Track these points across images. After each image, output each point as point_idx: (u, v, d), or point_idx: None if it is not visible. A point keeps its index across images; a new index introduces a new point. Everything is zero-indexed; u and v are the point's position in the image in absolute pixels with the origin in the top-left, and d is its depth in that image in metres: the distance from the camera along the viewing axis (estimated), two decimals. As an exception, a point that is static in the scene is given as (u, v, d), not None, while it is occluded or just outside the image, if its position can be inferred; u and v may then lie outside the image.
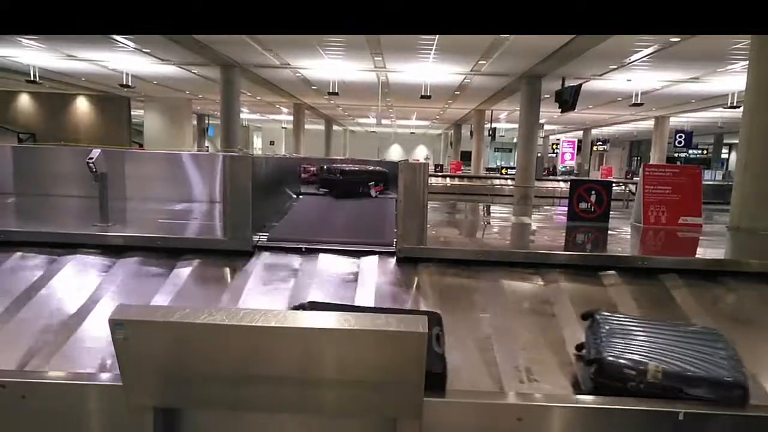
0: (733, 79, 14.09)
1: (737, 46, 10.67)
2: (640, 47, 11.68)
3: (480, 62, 13.97)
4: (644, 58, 12.59)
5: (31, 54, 15.13)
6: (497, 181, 21.00)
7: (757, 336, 2.49)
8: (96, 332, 2.28)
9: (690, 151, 30.09)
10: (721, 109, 19.55)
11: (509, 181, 19.94)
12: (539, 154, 23.72)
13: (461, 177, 22.54)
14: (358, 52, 13.27)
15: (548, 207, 11.53)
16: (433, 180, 20.47)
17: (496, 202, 15.70)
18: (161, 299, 2.57)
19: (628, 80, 15.71)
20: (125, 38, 12.79)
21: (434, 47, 12.38)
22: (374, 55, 13.59)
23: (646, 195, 4.30)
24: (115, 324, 1.58)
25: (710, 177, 26.23)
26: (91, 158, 3.21)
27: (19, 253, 2.89)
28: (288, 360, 1.66)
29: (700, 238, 4.04)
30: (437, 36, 11.25)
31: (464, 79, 16.82)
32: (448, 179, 21.71)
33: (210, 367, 1.68)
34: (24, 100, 23.24)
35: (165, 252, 2.95)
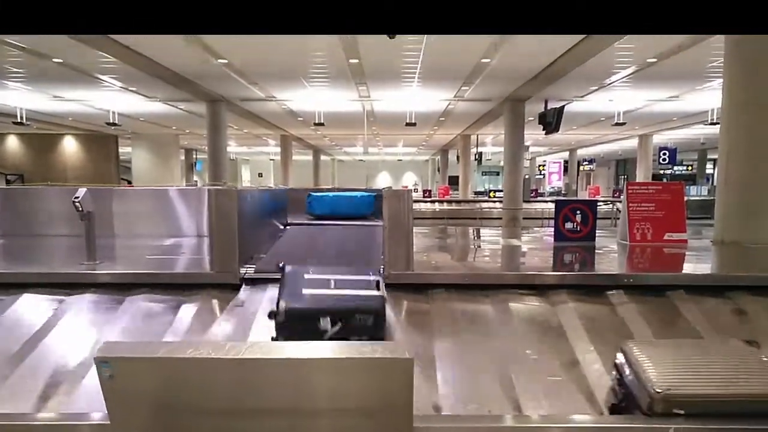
0: (711, 96, 14.34)
1: (713, 63, 10.91)
2: (618, 68, 11.89)
3: (463, 88, 14.15)
4: (624, 79, 12.81)
5: (18, 96, 15.17)
6: (485, 205, 21.11)
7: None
8: (84, 371, 2.26)
9: (675, 168, 30.42)
10: (702, 125, 19.86)
11: (497, 204, 20.05)
12: (526, 176, 23.93)
13: (450, 201, 22.65)
14: (342, 81, 13.41)
15: (537, 228, 11.60)
16: (422, 205, 20.56)
17: (485, 225, 15.78)
18: (151, 335, 2.56)
19: (609, 100, 15.96)
20: (111, 77, 12.86)
21: (417, 74, 12.54)
22: (358, 84, 13.74)
23: (630, 213, 4.36)
24: (100, 362, 1.58)
25: (696, 192, 26.48)
26: (77, 197, 3.22)
27: (3, 296, 2.88)
28: (275, 391, 1.66)
29: (686, 253, 4.09)
30: (420, 63, 11.41)
31: (448, 105, 17.01)
32: (436, 204, 21.80)
33: (198, 401, 1.68)
34: (11, 142, 23.26)
35: (153, 288, 2.95)
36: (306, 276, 2.42)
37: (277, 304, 2.27)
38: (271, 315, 2.27)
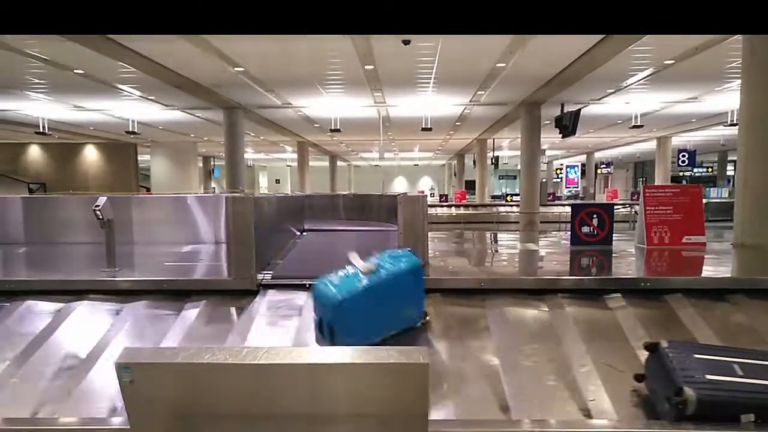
0: (730, 97, 14.15)
1: (732, 64, 10.78)
2: (635, 70, 11.79)
3: (479, 92, 14.13)
4: (641, 81, 12.70)
5: (40, 106, 15.46)
6: (502, 209, 21.06)
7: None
8: (106, 376, 2.30)
9: (695, 170, 30.06)
10: (722, 127, 19.61)
11: (514, 208, 19.97)
12: (543, 180, 23.80)
13: (466, 206, 22.62)
14: (358, 88, 13.47)
15: (554, 232, 11.52)
16: (438, 210, 20.55)
17: (502, 230, 15.70)
18: (170, 341, 2.60)
19: (626, 103, 15.82)
20: (130, 87, 13.05)
21: (432, 79, 12.55)
22: (374, 90, 13.78)
23: (647, 216, 4.32)
24: (121, 367, 1.61)
25: (717, 194, 26.13)
26: (98, 205, 3.28)
27: (28, 302, 2.94)
28: (293, 396, 1.68)
29: (705, 256, 4.05)
30: (435, 68, 11.42)
31: (464, 109, 16.99)
32: (453, 209, 21.77)
33: (217, 406, 1.70)
34: (34, 151, 23.72)
35: (172, 294, 2.99)
36: (696, 355, 2.01)
37: (677, 389, 1.87)
38: (670, 401, 1.89)
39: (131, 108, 16.20)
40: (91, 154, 24.02)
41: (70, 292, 3.00)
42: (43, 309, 2.90)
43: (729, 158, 32.41)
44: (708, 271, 3.83)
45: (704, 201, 4.76)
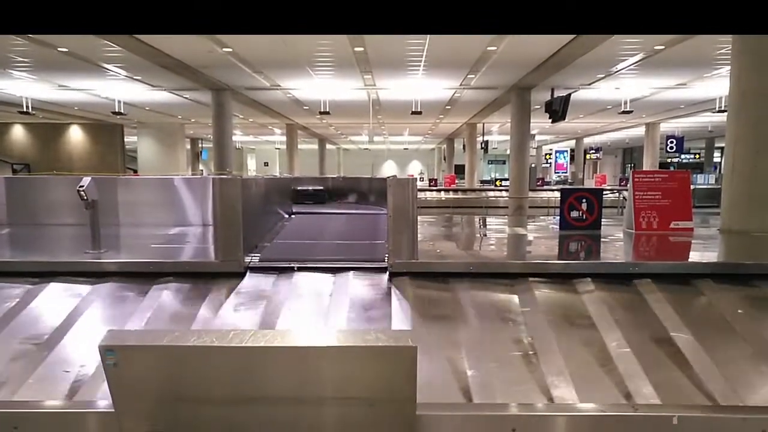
0: (719, 84, 14.20)
1: (722, 51, 10.79)
2: (625, 56, 11.78)
3: (469, 76, 14.06)
4: (631, 67, 12.69)
5: (23, 85, 15.18)
6: (491, 193, 21.09)
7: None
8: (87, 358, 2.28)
9: (682, 156, 30.21)
10: (710, 113, 19.69)
11: (503, 193, 20.00)
12: (532, 165, 23.86)
13: (455, 190, 22.62)
14: (348, 70, 13.35)
15: (543, 217, 11.57)
16: (427, 194, 20.54)
17: (491, 214, 15.74)
18: (153, 323, 2.57)
19: (616, 88, 15.83)
20: (116, 66, 12.85)
21: (423, 62, 12.47)
22: (363, 73, 13.67)
23: (636, 201, 4.33)
24: (105, 350, 1.58)
25: (704, 181, 26.31)
26: (82, 186, 3.23)
27: (2, 283, 2.89)
28: (279, 379, 1.66)
29: (692, 241, 4.07)
30: (425, 51, 11.34)
31: (454, 93, 16.92)
32: (442, 193, 21.77)
33: (202, 389, 1.68)
34: (17, 132, 23.35)
35: (158, 276, 2.96)
36: None
37: None
38: None
39: (117, 88, 15.97)
40: (76, 135, 23.68)
41: (53, 274, 2.96)
42: (25, 290, 2.85)
43: (716, 145, 32.62)
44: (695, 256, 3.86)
45: (691, 187, 4.78)
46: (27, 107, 17.20)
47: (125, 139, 24.99)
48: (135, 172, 24.81)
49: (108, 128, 23.85)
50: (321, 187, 5.94)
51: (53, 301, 2.77)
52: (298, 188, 5.71)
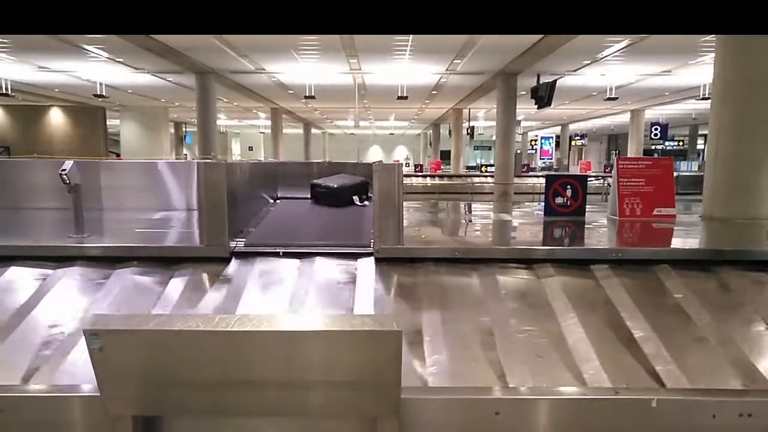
0: (703, 72, 14.32)
1: (706, 38, 10.87)
2: (611, 42, 11.82)
3: (455, 61, 14.03)
4: (616, 53, 12.74)
5: (2, 66, 14.88)
6: (477, 179, 21.12)
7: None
8: (72, 343, 2.27)
9: (666, 143, 30.46)
10: (694, 101, 19.85)
11: (489, 179, 20.06)
12: (518, 151, 23.91)
13: (441, 176, 22.64)
14: (333, 54, 13.25)
15: (528, 203, 11.62)
16: (413, 180, 20.54)
17: (477, 200, 15.79)
18: (139, 308, 2.56)
19: (602, 75, 15.88)
20: (97, 47, 12.63)
21: (409, 47, 12.41)
22: (349, 57, 13.58)
23: (620, 188, 4.37)
24: (90, 334, 1.58)
25: (687, 168, 26.57)
26: (64, 170, 3.19)
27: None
28: (265, 363, 1.67)
29: (674, 228, 4.12)
30: (411, 36, 11.28)
31: (440, 78, 16.87)
32: (428, 179, 21.78)
33: (188, 373, 1.68)
34: (-4, 114, 22.89)
35: (142, 261, 2.94)
36: None
37: None
38: None
39: (99, 70, 15.71)
40: (57, 118, 23.24)
41: (36, 258, 2.93)
42: (7, 274, 2.83)
43: (700, 132, 32.92)
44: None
45: (675, 174, 4.83)
46: (6, 89, 16.88)
47: (107, 123, 24.61)
48: (117, 156, 24.51)
49: (90, 111, 23.43)
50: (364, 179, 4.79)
51: (24, 284, 2.74)
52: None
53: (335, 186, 4.54)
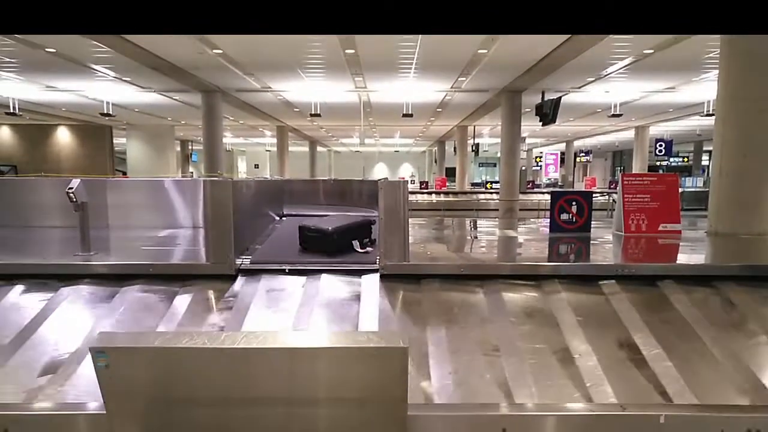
0: (707, 88, 14.37)
1: (710, 55, 10.91)
2: (615, 59, 11.89)
3: (460, 78, 14.13)
4: (620, 70, 12.81)
5: (10, 86, 15.07)
6: (482, 196, 21.15)
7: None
8: (79, 360, 2.27)
9: (671, 159, 30.49)
10: (698, 117, 19.90)
11: (494, 195, 20.08)
12: (523, 168, 23.97)
13: (446, 193, 22.69)
14: (339, 72, 13.37)
15: (533, 219, 11.62)
16: (419, 197, 20.58)
17: (482, 217, 15.79)
18: (145, 326, 2.56)
19: (606, 92, 15.96)
20: (105, 67, 12.79)
21: (414, 65, 12.51)
22: (354, 75, 13.69)
23: (626, 204, 4.37)
24: (96, 352, 1.58)
25: (692, 184, 26.56)
26: (71, 188, 3.21)
27: None
28: (271, 381, 1.67)
29: (680, 243, 4.11)
30: (416, 53, 11.38)
31: (445, 96, 16.99)
32: (433, 195, 21.82)
33: (194, 391, 1.68)
34: (4, 133, 23.12)
35: (148, 278, 2.95)
36: None
37: None
38: None
39: (106, 89, 15.90)
40: (64, 137, 23.48)
41: (43, 276, 2.95)
42: (14, 292, 2.84)
43: (704, 148, 32.93)
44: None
45: (680, 190, 4.82)
46: (14, 108, 17.08)
47: (114, 141, 24.84)
48: (124, 174, 24.67)
49: (96, 130, 23.68)
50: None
51: (31, 302, 2.75)
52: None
53: (329, 229, 3.54)
